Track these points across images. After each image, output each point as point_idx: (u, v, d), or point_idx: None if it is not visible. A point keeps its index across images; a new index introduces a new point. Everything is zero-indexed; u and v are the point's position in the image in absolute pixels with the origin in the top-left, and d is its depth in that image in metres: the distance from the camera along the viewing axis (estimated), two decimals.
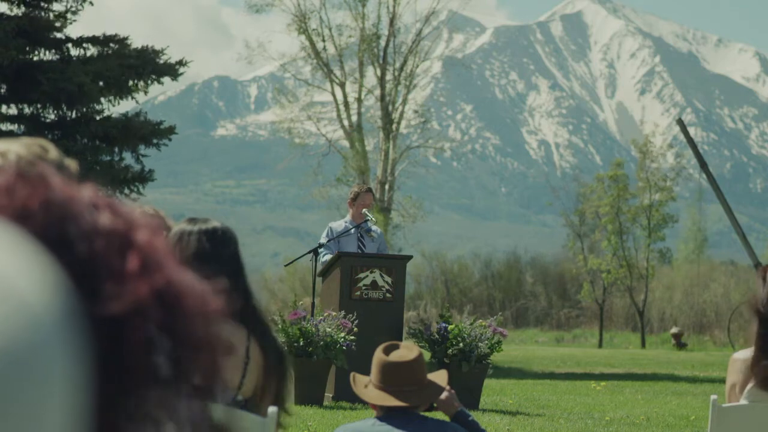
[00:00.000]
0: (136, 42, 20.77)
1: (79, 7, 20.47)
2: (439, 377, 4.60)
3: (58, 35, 20.36)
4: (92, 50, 20.55)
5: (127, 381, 0.85)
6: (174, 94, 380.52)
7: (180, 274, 0.91)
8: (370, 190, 12.84)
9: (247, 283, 3.95)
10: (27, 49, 19.97)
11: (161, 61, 20.53)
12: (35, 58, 20.19)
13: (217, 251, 3.91)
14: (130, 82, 20.49)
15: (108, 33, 20.61)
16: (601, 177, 43.13)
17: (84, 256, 0.86)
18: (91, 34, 20.50)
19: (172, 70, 20.63)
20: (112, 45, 20.50)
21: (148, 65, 20.38)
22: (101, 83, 20.01)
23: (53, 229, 0.86)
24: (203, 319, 0.93)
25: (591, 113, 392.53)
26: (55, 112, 20.29)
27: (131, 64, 20.28)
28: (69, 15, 20.34)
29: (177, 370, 0.90)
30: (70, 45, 20.37)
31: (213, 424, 0.95)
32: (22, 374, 0.75)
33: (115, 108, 21.04)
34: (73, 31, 22.48)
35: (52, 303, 0.80)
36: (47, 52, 20.32)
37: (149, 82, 20.67)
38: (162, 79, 20.78)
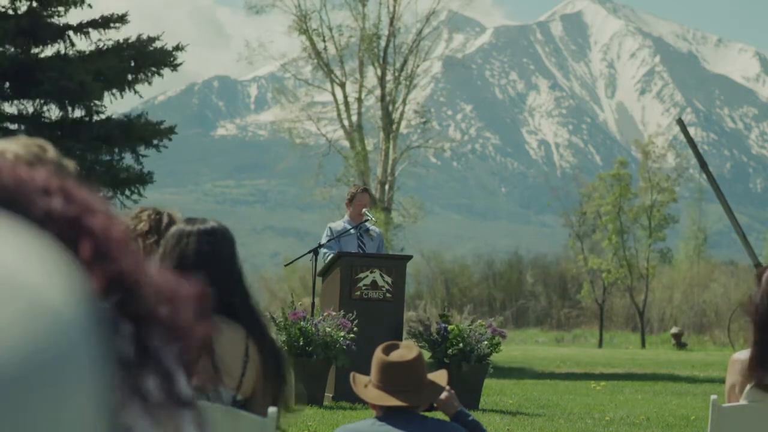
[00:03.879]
0: (132, 31, 20.75)
1: (78, 6, 20.44)
2: (439, 377, 4.59)
3: (58, 22, 20.31)
4: (92, 36, 20.47)
5: None
6: (174, 94, 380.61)
7: (136, 262, 0.89)
8: (366, 190, 12.85)
9: (245, 283, 3.95)
10: (27, 47, 19.95)
11: (157, 48, 20.50)
12: (35, 56, 20.16)
13: (215, 251, 3.92)
14: (130, 76, 20.46)
15: (105, 14, 20.54)
16: (603, 176, 43.12)
17: None
18: (89, 19, 20.44)
19: (169, 57, 20.59)
20: (110, 26, 20.44)
21: (147, 56, 20.36)
22: (102, 79, 19.98)
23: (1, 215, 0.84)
24: (168, 305, 0.91)
25: (591, 113, 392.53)
26: (58, 110, 20.26)
27: (129, 55, 20.26)
28: (69, 9, 20.32)
29: (141, 353, 0.89)
30: (71, 32, 20.31)
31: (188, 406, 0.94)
32: (48, 377, 0.74)
33: (117, 106, 21.04)
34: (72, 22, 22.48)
35: (77, 307, 0.79)
36: (47, 47, 20.30)
37: (149, 74, 20.65)
38: (161, 71, 20.75)
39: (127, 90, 20.59)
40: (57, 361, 0.75)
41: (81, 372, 0.77)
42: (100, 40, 20.52)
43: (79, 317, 0.79)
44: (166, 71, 20.85)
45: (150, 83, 21.08)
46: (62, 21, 20.33)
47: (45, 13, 20.07)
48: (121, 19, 20.51)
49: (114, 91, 20.44)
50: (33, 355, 0.74)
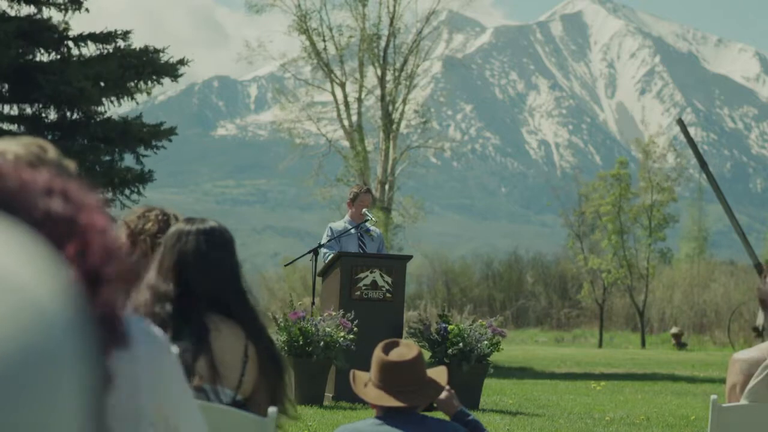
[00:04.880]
0: (135, 41, 20.74)
1: (77, 11, 20.42)
2: (439, 373, 4.58)
3: (58, 33, 20.31)
4: (92, 48, 20.49)
5: None
6: (174, 94, 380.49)
7: (127, 260, 0.91)
8: (369, 190, 12.83)
9: (243, 283, 3.95)
10: (27, 49, 19.93)
11: (162, 61, 20.52)
12: (35, 59, 20.15)
13: (214, 251, 3.92)
14: (130, 83, 20.46)
15: (108, 29, 20.58)
16: (604, 176, 43.08)
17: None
18: (89, 32, 20.44)
19: (172, 70, 20.61)
20: (112, 41, 20.46)
21: (148, 65, 20.36)
22: (102, 84, 19.97)
23: (4, 218, 0.86)
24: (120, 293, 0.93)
25: (591, 113, 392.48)
26: (56, 112, 20.25)
27: (131, 64, 20.26)
28: (69, 12, 20.30)
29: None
30: (70, 43, 20.32)
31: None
32: (34, 374, 0.75)
33: (117, 109, 21.03)
34: (71, 29, 22.49)
35: (64, 305, 0.80)
36: (47, 53, 20.28)
37: (149, 82, 20.64)
38: (162, 80, 20.77)
39: (126, 98, 20.62)
40: (43, 358, 0.76)
41: (67, 368, 0.78)
42: (103, 47, 20.50)
43: (66, 315, 0.80)
44: (166, 80, 20.89)
45: (149, 93, 21.11)
46: (63, 31, 20.32)
47: (44, 17, 20.04)
48: (124, 35, 20.49)
49: (112, 98, 20.45)
50: (20, 352, 0.75)
